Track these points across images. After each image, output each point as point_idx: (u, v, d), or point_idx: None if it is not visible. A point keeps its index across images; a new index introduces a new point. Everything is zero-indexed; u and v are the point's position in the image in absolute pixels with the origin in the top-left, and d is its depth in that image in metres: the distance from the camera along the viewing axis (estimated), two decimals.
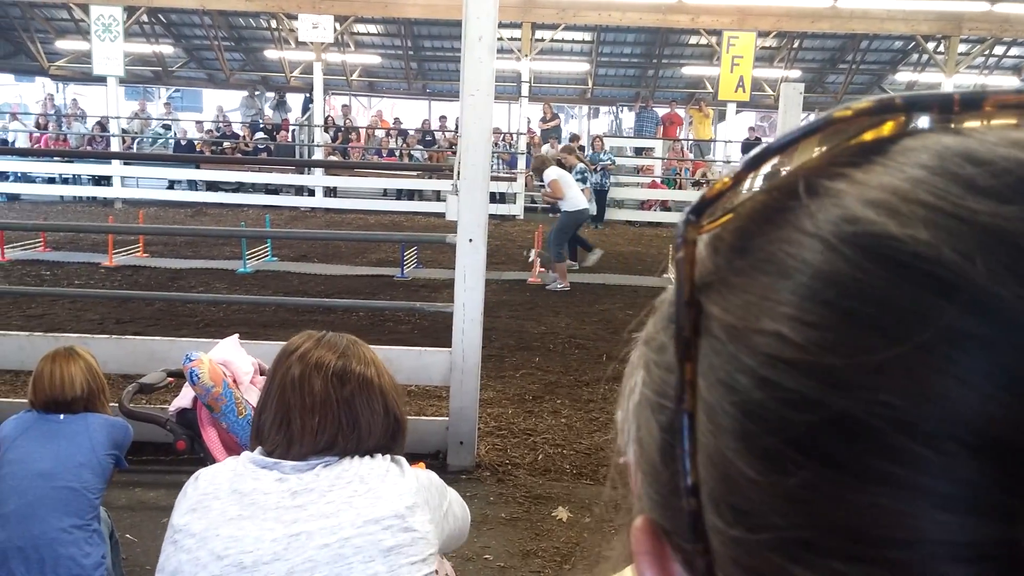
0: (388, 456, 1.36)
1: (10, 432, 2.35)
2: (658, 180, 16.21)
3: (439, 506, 1.36)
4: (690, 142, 18.00)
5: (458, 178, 3.97)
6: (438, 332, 6.47)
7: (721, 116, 17.61)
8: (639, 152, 17.53)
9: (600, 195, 14.46)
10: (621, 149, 16.91)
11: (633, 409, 0.33)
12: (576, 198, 9.08)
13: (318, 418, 1.32)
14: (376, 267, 9.85)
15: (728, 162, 16.29)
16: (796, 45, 18.93)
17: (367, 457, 1.34)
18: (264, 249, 10.34)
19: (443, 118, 18.98)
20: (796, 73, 18.86)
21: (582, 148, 16.74)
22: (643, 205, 15.91)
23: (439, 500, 1.37)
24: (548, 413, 5.02)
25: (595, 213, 9.82)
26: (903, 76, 20.01)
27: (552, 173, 9.05)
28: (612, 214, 14.98)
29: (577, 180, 9.67)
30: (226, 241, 11.11)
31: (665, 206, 15.84)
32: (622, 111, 23.32)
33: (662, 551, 0.28)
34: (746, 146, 17.16)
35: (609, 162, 14.43)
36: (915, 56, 19.12)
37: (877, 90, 20.93)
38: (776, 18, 15.59)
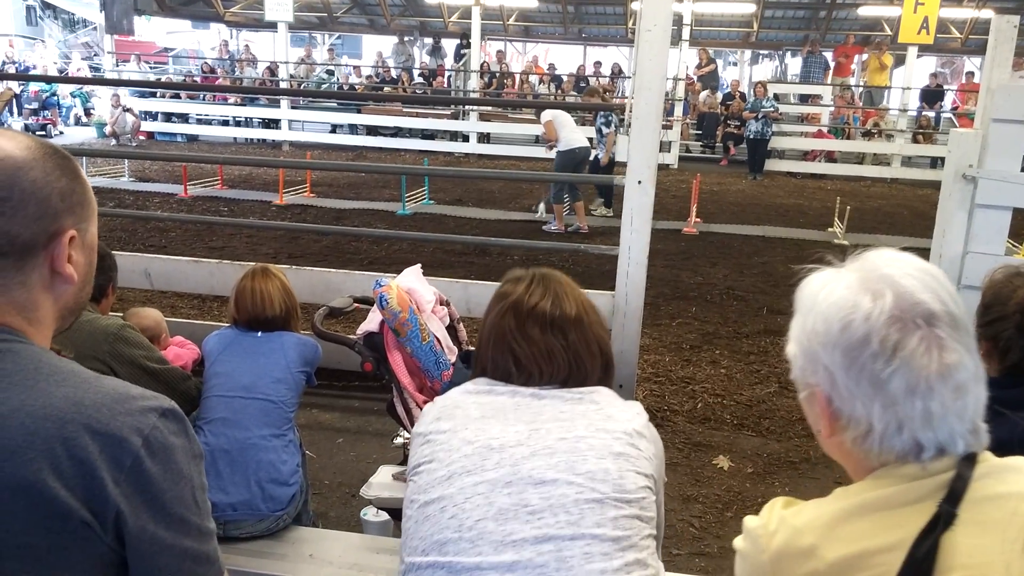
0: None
1: (214, 347, 2.53)
2: (824, 129, 15.30)
3: (657, 452, 1.37)
4: (861, 88, 16.84)
5: (629, 119, 3.88)
6: (592, 277, 6.46)
7: (899, 61, 16.31)
8: (804, 99, 16.57)
9: (760, 144, 13.85)
10: (785, 96, 16.04)
11: None
12: (569, 138, 8.77)
13: (553, 365, 1.40)
14: (529, 212, 9.92)
15: (905, 110, 15.11)
16: None
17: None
18: (421, 192, 10.62)
19: (598, 64, 18.67)
20: (989, 13, 17.15)
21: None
22: (807, 156, 15.09)
23: (657, 448, 1.38)
24: (707, 363, 4.91)
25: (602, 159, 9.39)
26: None
27: (547, 115, 8.86)
28: (772, 165, 14.32)
29: (602, 123, 9.44)
30: (386, 184, 11.50)
31: (831, 157, 14.95)
32: (787, 56, 22.09)
33: None
34: (926, 94, 15.90)
35: (772, 109, 13.74)
36: None
37: None
38: None
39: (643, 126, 3.79)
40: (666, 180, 12.60)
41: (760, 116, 13.62)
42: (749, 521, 1.00)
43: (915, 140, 14.70)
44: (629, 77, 18.44)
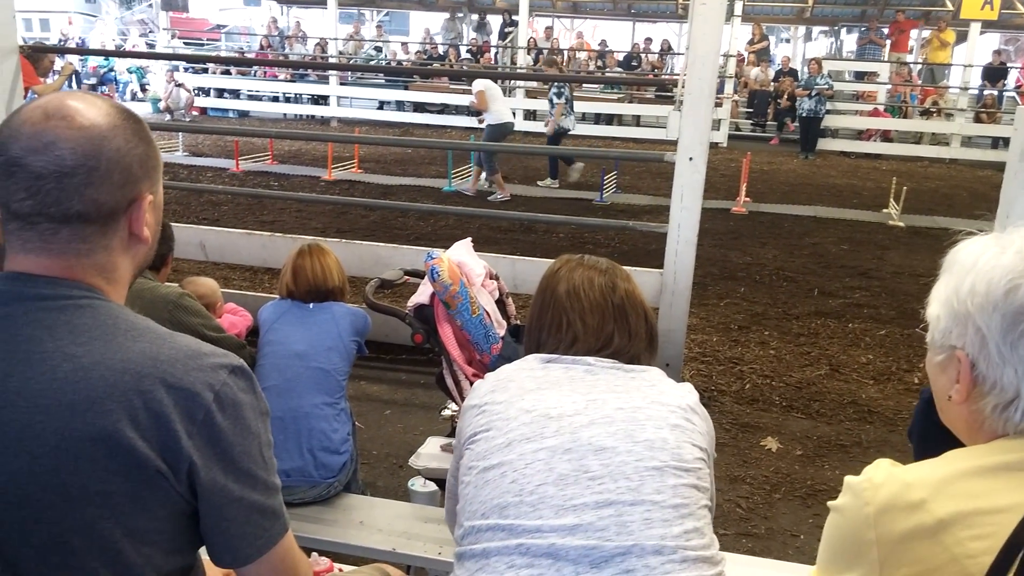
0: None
1: (269, 316, 2.58)
2: (881, 108, 14.91)
3: (709, 430, 1.36)
4: (920, 66, 16.34)
5: (682, 94, 3.82)
6: (638, 256, 6.42)
7: (961, 38, 15.78)
8: (861, 77, 16.14)
9: (812, 122, 13.56)
10: (840, 73, 15.64)
11: None
12: (500, 111, 9.03)
13: (597, 317, 1.44)
14: (575, 190, 9.87)
15: (966, 89, 14.64)
16: None
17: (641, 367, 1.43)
18: (468, 169, 10.62)
19: (648, 40, 18.40)
20: None
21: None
22: (862, 135, 14.73)
23: (708, 427, 1.37)
24: (755, 344, 4.86)
25: (569, 128, 9.94)
26: None
27: (479, 84, 9.09)
28: (825, 144, 14.01)
29: (553, 94, 9.65)
30: (432, 160, 11.54)
31: (887, 136, 14.57)
32: (842, 32, 21.52)
33: None
34: (988, 72, 15.39)
35: (826, 87, 13.42)
36: None
37: None
38: None
39: (695, 102, 3.74)
40: (715, 158, 12.42)
41: (813, 94, 13.32)
42: (850, 478, 0.99)
43: (977, 119, 14.25)
44: (679, 54, 18.18)
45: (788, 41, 24.39)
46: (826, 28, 22.31)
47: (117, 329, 0.95)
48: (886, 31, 16.99)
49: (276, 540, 1.02)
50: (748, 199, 9.23)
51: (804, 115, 13.59)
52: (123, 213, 0.99)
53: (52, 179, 0.93)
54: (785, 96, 14.79)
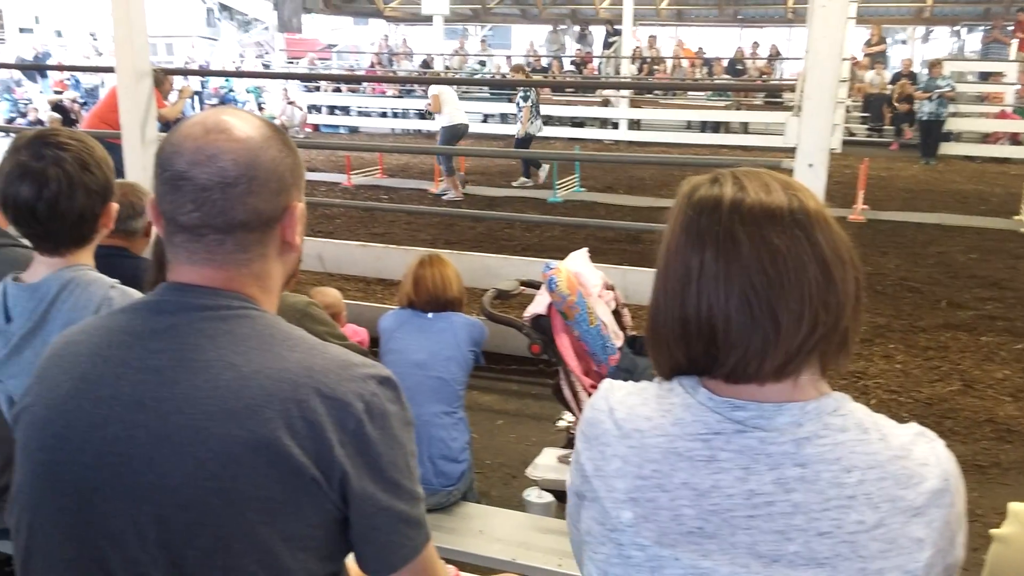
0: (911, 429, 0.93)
1: (390, 325, 2.64)
2: (1008, 110, 14.05)
3: (946, 544, 0.86)
4: None
5: (799, 99, 3.70)
6: None
7: None
8: (985, 78, 15.27)
9: (934, 126, 12.90)
10: (962, 74, 14.84)
11: None
12: (452, 114, 9.51)
13: (795, 320, 0.85)
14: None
15: None
16: None
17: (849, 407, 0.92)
18: (572, 180, 10.62)
19: (756, 45, 17.98)
20: None
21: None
22: (987, 138, 13.92)
23: (945, 534, 0.86)
24: (879, 357, 4.64)
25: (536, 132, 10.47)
26: None
27: (435, 89, 9.70)
28: (948, 148, 13.30)
29: (520, 98, 10.29)
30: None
31: (1016, 139, 13.71)
32: (963, 31, 20.44)
33: None
34: None
35: (948, 89, 12.75)
36: None
37: None
38: None
39: (815, 107, 3.61)
40: (829, 165, 11.94)
41: (935, 96, 12.68)
42: (1016, 505, 0.92)
43: None
44: (790, 59, 17.67)
45: (904, 43, 23.36)
46: (947, 28, 21.24)
47: (274, 339, 0.98)
48: (1012, 29, 16.04)
49: (420, 549, 1.03)
50: (866, 206, 8.85)
51: (924, 119, 12.96)
52: (278, 221, 1.03)
53: (217, 190, 0.97)
54: (900, 99, 14.15)
